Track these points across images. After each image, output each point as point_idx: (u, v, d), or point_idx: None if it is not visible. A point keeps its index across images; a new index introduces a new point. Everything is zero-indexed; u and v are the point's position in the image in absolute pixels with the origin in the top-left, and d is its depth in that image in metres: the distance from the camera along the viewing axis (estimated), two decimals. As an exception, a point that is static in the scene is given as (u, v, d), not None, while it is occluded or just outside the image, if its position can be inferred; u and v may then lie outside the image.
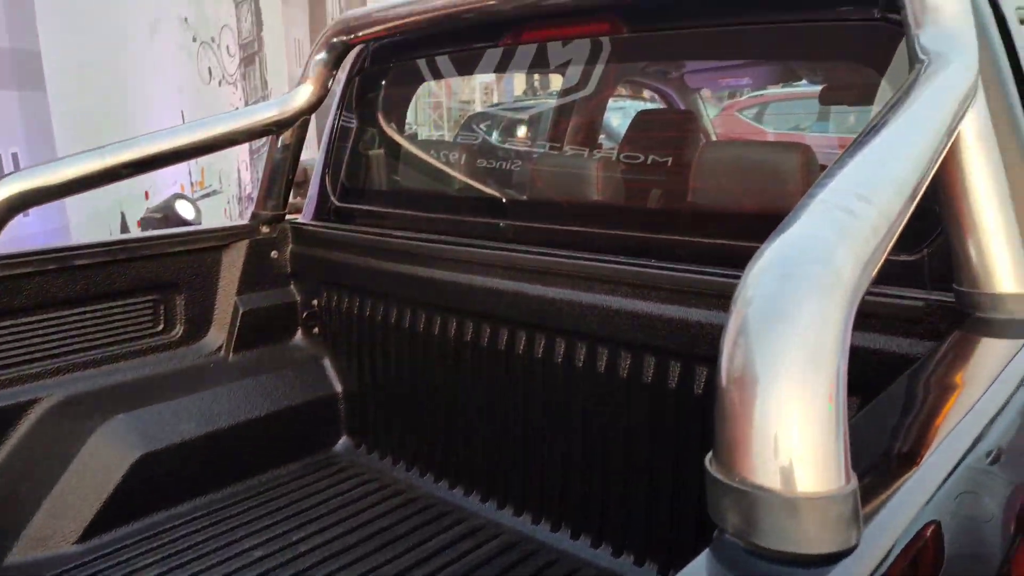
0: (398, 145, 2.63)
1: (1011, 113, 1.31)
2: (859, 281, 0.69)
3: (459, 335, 2.04)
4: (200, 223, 4.26)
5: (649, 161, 2.02)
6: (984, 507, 0.88)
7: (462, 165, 2.48)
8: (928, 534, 0.71)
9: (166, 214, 4.07)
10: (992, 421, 0.89)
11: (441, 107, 10.83)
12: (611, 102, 3.50)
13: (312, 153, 3.03)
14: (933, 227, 1.32)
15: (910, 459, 0.80)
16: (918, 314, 1.30)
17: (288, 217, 2.48)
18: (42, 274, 1.91)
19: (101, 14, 4.76)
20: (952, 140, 1.06)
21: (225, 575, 1.80)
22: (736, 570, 0.61)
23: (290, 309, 2.44)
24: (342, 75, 2.44)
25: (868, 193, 0.78)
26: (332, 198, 2.49)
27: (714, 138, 3.80)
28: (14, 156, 4.06)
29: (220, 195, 6.59)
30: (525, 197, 2.26)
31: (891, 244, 0.77)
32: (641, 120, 2.46)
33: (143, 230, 4.29)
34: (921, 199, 0.86)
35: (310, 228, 2.44)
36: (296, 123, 2.31)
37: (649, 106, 3.67)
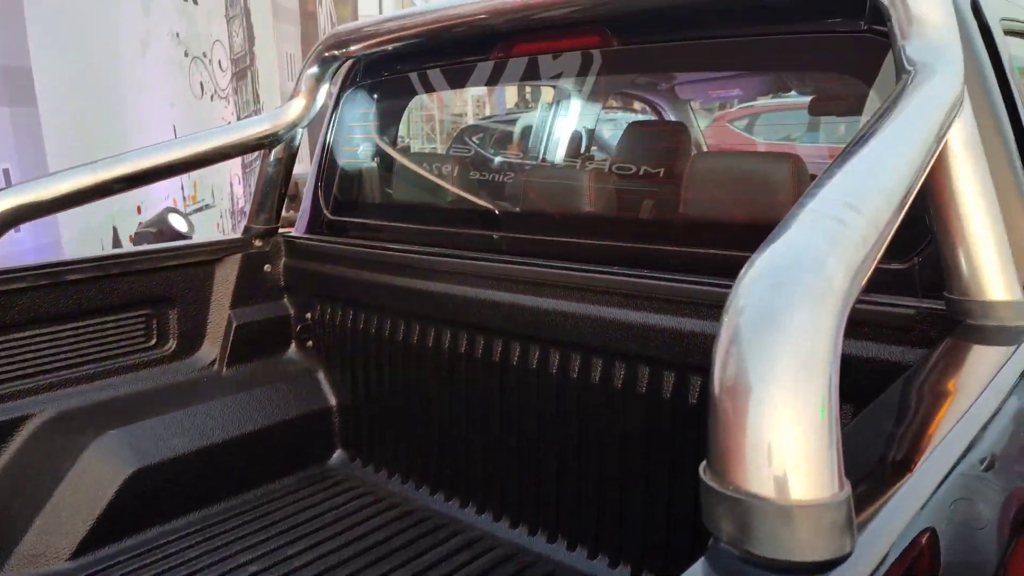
0: (391, 158, 2.64)
1: (997, 122, 1.32)
2: (850, 289, 0.69)
3: (453, 347, 2.04)
4: (193, 237, 4.25)
5: (641, 172, 2.04)
6: (978, 513, 0.88)
7: (455, 177, 2.49)
8: (923, 541, 0.71)
9: (160, 228, 4.05)
10: (985, 427, 0.89)
11: (433, 120, 10.87)
12: (603, 114, 3.52)
13: (304, 167, 3.03)
14: (923, 236, 1.33)
15: (904, 466, 0.81)
16: (910, 322, 1.31)
17: (281, 230, 2.48)
18: (34, 289, 1.90)
19: (92, 30, 4.76)
20: (940, 149, 1.07)
21: None
22: None
23: (284, 322, 2.44)
24: (334, 89, 2.45)
25: (857, 202, 0.78)
26: (325, 211, 2.49)
27: (705, 149, 3.82)
28: (5, 172, 4.05)
29: (213, 209, 6.58)
30: (518, 209, 2.27)
31: (881, 252, 0.78)
32: (633, 132, 2.48)
33: (136, 245, 4.28)
34: (910, 208, 0.87)
35: (303, 241, 2.44)
36: (288, 137, 2.32)
37: (641, 118, 3.69)
